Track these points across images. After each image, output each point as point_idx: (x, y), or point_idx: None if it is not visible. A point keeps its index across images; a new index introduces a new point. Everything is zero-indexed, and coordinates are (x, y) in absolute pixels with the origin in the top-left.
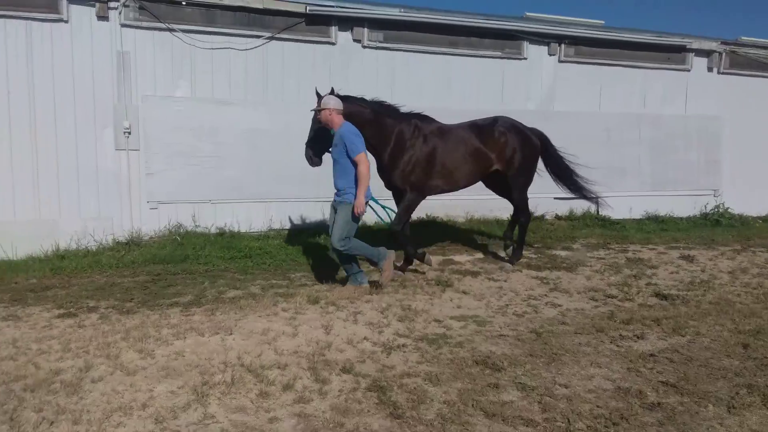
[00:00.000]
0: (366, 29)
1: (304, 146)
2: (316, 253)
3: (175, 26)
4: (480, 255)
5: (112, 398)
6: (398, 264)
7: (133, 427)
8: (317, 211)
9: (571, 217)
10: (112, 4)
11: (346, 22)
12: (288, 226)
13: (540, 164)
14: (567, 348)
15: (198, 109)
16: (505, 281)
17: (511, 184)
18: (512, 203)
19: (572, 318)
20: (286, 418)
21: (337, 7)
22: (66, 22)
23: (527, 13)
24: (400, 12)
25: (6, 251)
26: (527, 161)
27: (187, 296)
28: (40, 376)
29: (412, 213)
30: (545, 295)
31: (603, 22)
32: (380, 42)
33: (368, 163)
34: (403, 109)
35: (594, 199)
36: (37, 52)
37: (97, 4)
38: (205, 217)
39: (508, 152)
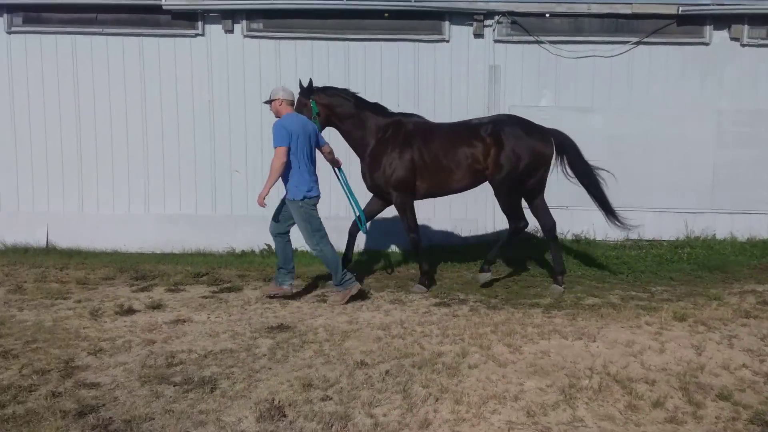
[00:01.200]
0: (746, 26)
1: None
2: (678, 268)
3: (542, 38)
4: None
5: (487, 386)
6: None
7: (507, 416)
8: (679, 222)
9: None
10: (487, 22)
11: (723, 20)
12: (646, 237)
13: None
14: None
15: (560, 117)
16: None
17: (495, 191)
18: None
19: None
20: None
21: (713, 5)
22: (447, 41)
23: None
24: None
25: (391, 245)
26: (525, 167)
27: (546, 298)
28: (424, 355)
29: (412, 215)
30: None
31: None
32: (762, 39)
33: (283, 159)
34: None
35: (618, 222)
36: (423, 69)
37: (475, 23)
38: (561, 223)
39: (498, 154)
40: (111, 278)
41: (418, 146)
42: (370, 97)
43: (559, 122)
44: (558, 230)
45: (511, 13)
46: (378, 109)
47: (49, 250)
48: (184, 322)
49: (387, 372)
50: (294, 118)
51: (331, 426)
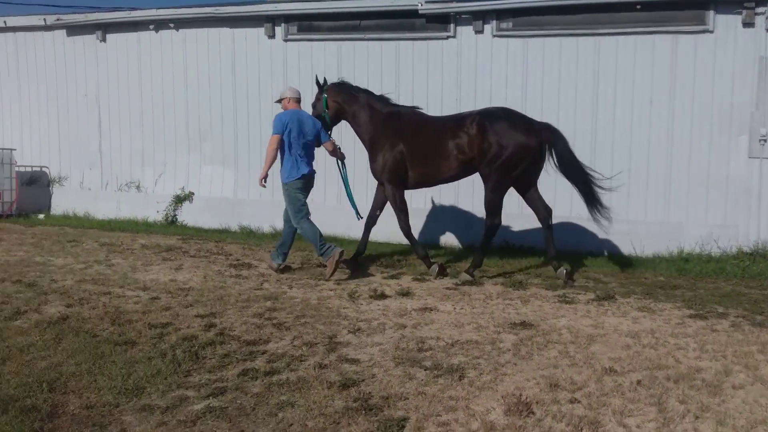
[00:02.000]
0: None
1: None
2: None
3: None
4: None
5: (755, 409)
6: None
7: None
8: None
9: None
10: (759, 10)
11: None
12: None
13: None
14: None
15: None
16: None
17: (483, 181)
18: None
19: None
20: None
21: None
22: (711, 32)
23: None
24: None
25: (635, 248)
26: (505, 159)
27: None
28: (680, 369)
29: (403, 207)
30: None
31: None
32: None
33: (273, 145)
34: None
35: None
36: (681, 63)
37: (744, 11)
38: None
39: (481, 144)
40: (364, 265)
41: (409, 138)
42: (622, 92)
43: None
44: None
45: None
46: (382, 103)
47: None
48: (431, 310)
49: (639, 382)
50: (291, 113)
51: (581, 430)
